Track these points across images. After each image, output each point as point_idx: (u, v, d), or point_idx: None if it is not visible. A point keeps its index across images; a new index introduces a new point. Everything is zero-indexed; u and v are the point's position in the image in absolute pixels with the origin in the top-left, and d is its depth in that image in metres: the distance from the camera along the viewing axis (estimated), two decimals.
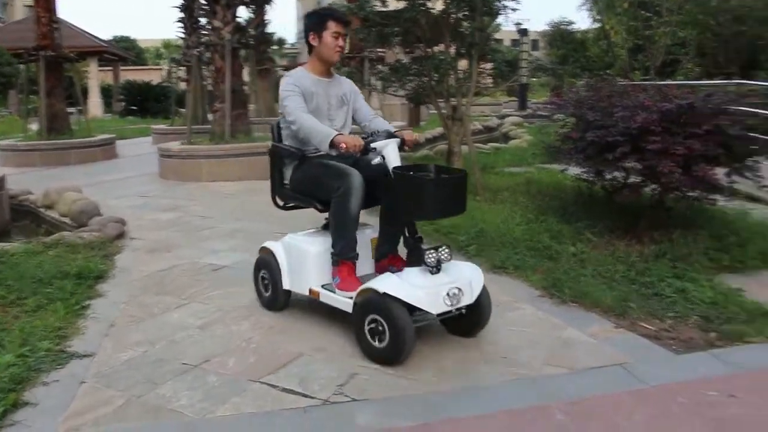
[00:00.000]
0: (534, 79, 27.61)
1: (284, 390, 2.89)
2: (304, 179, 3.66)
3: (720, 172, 4.66)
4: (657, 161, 4.31)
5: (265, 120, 13.42)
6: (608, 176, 5.01)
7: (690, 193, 4.60)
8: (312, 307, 3.81)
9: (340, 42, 3.65)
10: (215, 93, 10.49)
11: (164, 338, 3.51)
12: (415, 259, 3.20)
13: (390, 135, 3.38)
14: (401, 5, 7.15)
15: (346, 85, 3.88)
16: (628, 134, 4.47)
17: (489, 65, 9.14)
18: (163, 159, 9.89)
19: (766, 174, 5.29)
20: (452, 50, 7.29)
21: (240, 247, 5.35)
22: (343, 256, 3.46)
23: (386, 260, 3.70)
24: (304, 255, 3.64)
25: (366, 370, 3.08)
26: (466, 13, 7.20)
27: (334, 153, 3.46)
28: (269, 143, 3.92)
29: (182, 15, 17.10)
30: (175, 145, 9.99)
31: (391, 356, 3.09)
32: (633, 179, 4.88)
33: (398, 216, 3.36)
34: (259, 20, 16.99)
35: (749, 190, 5.36)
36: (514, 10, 7.68)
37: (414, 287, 3.09)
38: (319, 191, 3.57)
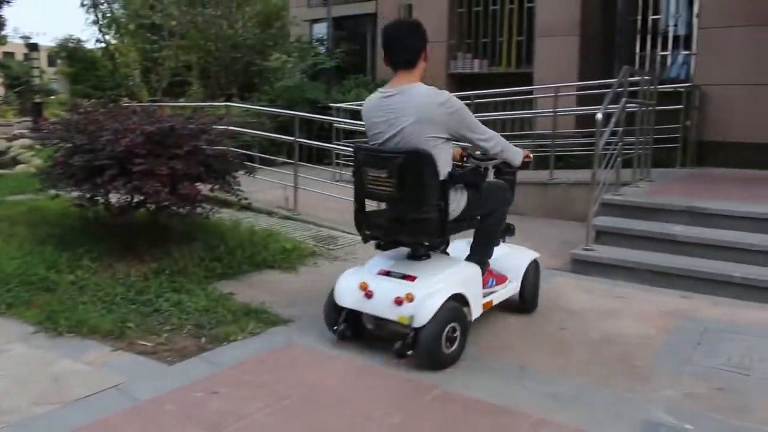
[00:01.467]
0: (53, 97, 25.83)
1: None
2: (483, 199, 3.71)
3: (205, 188, 5.08)
4: (143, 182, 4.47)
5: None
6: (102, 200, 4.99)
7: (180, 210, 4.87)
8: None
9: None
10: None
11: None
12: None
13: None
14: None
15: None
16: (116, 157, 4.53)
17: None
18: None
19: (257, 185, 5.97)
20: None
21: None
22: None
23: None
24: (479, 273, 3.75)
25: None
26: None
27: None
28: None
29: None
30: None
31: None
32: (125, 200, 4.96)
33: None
34: None
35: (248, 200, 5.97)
36: None
37: None
38: (488, 206, 3.79)
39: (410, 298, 3.31)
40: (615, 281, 5.04)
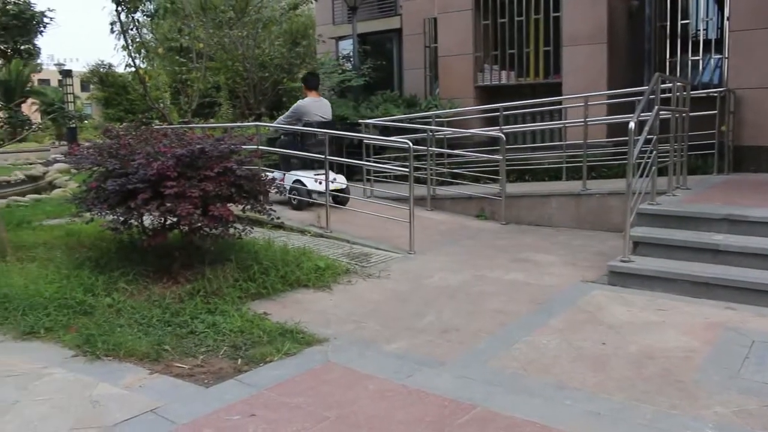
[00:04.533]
0: (86, 121, 26.34)
1: None
2: None
3: (237, 209, 5.09)
4: (176, 205, 4.49)
5: None
6: (136, 223, 5.02)
7: (213, 231, 4.88)
8: None
9: None
10: None
11: None
12: None
13: None
14: None
15: None
16: (148, 180, 4.57)
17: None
18: None
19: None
20: None
21: None
22: None
23: None
24: None
25: None
26: None
27: None
28: None
29: None
30: None
31: None
32: (159, 223, 4.99)
33: None
34: None
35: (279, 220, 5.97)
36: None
37: None
38: None
39: (336, 180, 7.78)
40: (654, 293, 4.92)
